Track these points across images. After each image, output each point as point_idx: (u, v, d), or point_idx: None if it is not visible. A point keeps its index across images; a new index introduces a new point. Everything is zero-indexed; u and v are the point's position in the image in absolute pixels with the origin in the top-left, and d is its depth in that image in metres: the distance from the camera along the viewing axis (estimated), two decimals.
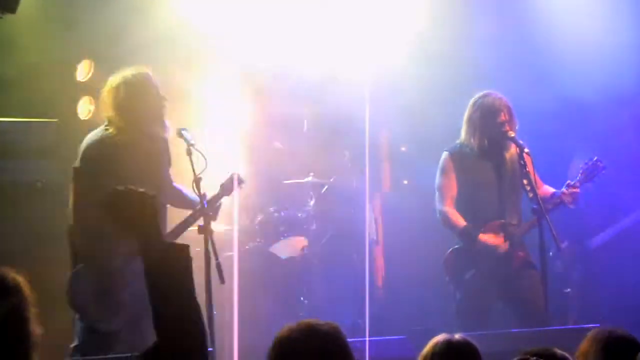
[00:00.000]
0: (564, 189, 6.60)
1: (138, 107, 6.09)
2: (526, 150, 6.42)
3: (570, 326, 5.91)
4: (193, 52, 8.72)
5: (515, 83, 7.74)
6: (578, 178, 6.73)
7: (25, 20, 7.40)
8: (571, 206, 6.51)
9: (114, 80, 6.13)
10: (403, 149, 9.61)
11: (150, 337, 2.87)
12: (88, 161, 6.00)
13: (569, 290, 8.04)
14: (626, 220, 8.14)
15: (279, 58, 8.95)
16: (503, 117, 6.61)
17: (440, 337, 3.59)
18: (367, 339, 5.85)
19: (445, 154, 6.77)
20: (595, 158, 6.77)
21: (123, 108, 6.05)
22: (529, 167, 6.44)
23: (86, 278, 5.89)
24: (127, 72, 6.14)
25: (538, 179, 6.70)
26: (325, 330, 2.77)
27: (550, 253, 7.80)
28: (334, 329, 2.80)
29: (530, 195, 6.46)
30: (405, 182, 9.50)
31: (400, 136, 9.48)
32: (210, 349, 5.08)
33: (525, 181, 6.49)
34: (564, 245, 6.66)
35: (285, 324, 2.92)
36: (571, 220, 7.77)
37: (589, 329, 5.54)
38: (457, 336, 3.58)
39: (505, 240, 6.52)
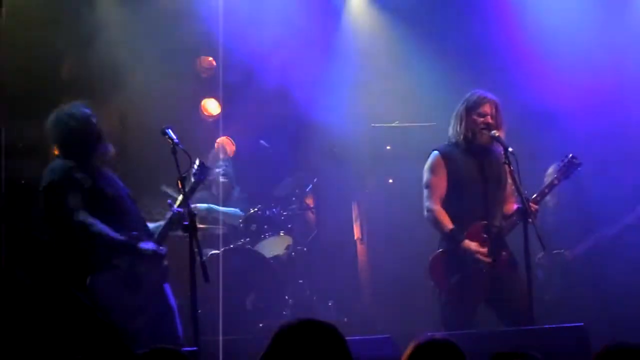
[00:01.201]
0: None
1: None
2: (510, 149, 6.42)
3: (553, 325, 5.89)
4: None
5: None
6: (555, 176, 6.75)
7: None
8: (530, 222, 6.40)
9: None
10: (388, 147, 9.62)
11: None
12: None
13: (547, 297, 8.06)
14: (606, 229, 8.19)
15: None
16: (487, 109, 6.64)
17: (423, 337, 3.59)
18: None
19: (435, 153, 6.78)
20: (571, 155, 6.79)
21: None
22: (514, 166, 6.44)
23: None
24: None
25: (510, 188, 6.75)
26: (324, 327, 2.78)
27: (538, 257, 7.87)
28: (333, 326, 2.81)
29: (515, 194, 6.48)
30: (390, 180, 9.52)
31: (385, 135, 9.51)
32: (194, 347, 5.09)
33: (509, 180, 6.51)
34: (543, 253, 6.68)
35: (284, 320, 2.92)
36: (550, 229, 7.84)
37: (572, 328, 5.63)
38: (439, 336, 3.58)
39: (486, 245, 6.52)
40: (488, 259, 6.49)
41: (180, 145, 5.82)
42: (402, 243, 8.83)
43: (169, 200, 6.47)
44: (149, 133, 7.16)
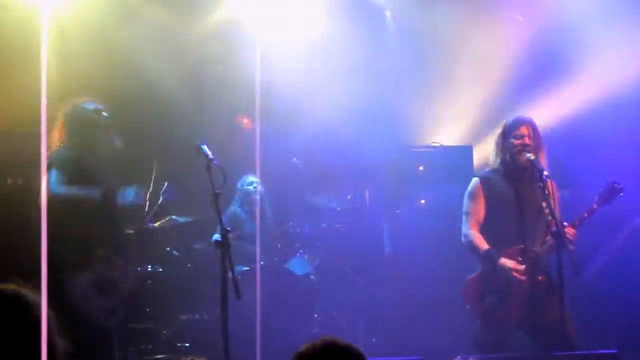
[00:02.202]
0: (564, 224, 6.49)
1: None
2: (545, 172, 6.38)
3: (586, 351, 5.84)
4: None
5: None
6: (595, 201, 6.67)
7: None
8: (570, 247, 6.35)
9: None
10: (420, 168, 9.60)
11: None
12: None
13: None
14: (613, 242, 8.19)
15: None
16: (524, 131, 6.61)
17: None
18: None
19: (475, 180, 6.79)
20: (612, 181, 6.70)
21: None
22: (549, 189, 6.40)
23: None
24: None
25: (557, 211, 6.66)
26: (346, 349, 2.75)
27: None
28: (355, 349, 2.78)
29: (549, 218, 6.42)
30: (422, 201, 9.48)
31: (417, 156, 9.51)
32: None
33: (544, 204, 6.45)
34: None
35: (306, 341, 2.90)
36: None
37: (605, 356, 5.58)
38: (472, 359, 3.57)
39: (523, 265, 6.46)
40: (523, 277, 6.44)
41: (215, 162, 5.83)
42: (432, 263, 8.80)
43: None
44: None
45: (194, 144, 6.04)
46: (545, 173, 6.37)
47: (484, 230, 6.63)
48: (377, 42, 9.81)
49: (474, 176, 6.85)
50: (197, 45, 9.14)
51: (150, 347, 8.53)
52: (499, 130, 6.75)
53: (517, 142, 6.61)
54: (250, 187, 9.04)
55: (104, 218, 6.34)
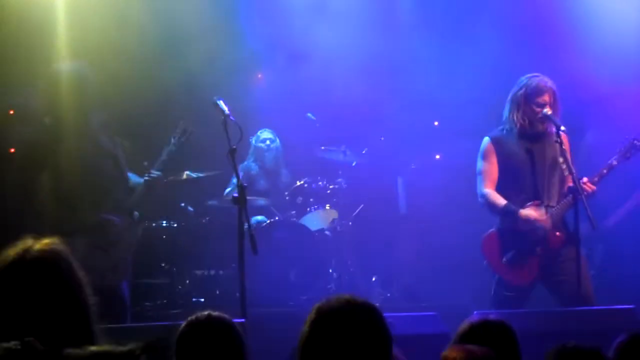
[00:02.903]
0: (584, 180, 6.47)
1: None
2: (562, 128, 6.35)
3: (604, 307, 5.83)
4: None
5: None
6: (615, 157, 6.62)
7: None
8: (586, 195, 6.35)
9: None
10: (435, 123, 9.58)
11: None
12: None
13: (592, 272, 7.99)
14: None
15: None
16: (547, 98, 6.54)
17: (476, 317, 3.56)
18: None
19: (486, 139, 6.72)
20: (633, 137, 6.65)
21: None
22: (565, 146, 6.37)
23: None
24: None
25: (571, 168, 6.65)
26: (365, 307, 2.75)
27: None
28: (373, 306, 2.78)
29: (566, 173, 6.39)
30: (437, 156, 9.47)
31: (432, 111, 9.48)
32: (242, 319, 5.10)
33: (561, 159, 6.42)
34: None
35: (323, 296, 2.90)
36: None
37: (622, 311, 5.57)
38: (493, 316, 3.56)
39: (545, 216, 6.46)
40: (547, 223, 6.42)
41: (231, 117, 5.80)
42: (447, 219, 8.81)
43: (145, 163, 6.54)
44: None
45: (210, 99, 6.02)
46: (563, 128, 6.34)
47: (500, 188, 6.61)
48: None
49: (485, 135, 6.78)
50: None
51: (165, 301, 8.58)
52: (519, 90, 6.62)
53: (538, 109, 6.53)
54: (263, 145, 9.02)
55: (98, 181, 6.26)
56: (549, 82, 6.55)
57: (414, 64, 9.26)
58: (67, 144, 6.10)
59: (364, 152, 9.19)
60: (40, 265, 2.73)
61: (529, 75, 6.63)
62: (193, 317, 3.39)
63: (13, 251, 2.74)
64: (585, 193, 6.18)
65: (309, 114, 9.28)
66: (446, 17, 9.37)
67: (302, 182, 8.82)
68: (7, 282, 2.68)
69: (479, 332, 3.41)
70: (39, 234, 2.83)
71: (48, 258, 2.75)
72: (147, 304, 8.45)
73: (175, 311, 8.14)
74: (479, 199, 6.67)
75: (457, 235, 8.31)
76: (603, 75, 8.35)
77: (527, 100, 6.53)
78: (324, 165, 9.23)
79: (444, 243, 8.70)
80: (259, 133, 9.11)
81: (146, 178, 6.45)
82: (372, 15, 9.41)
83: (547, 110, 6.44)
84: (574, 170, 6.28)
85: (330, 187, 8.93)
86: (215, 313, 3.41)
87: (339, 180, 8.98)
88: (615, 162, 6.54)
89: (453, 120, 9.06)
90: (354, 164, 9.21)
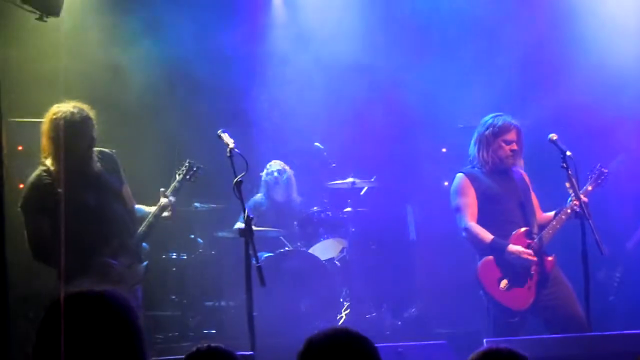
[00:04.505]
0: (571, 202, 6.51)
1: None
2: (569, 153, 6.39)
3: (612, 332, 5.80)
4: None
5: None
6: (588, 184, 6.68)
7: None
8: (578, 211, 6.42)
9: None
10: (443, 150, 9.58)
11: None
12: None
13: (612, 298, 7.97)
14: None
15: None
16: (513, 136, 6.72)
17: (487, 347, 3.54)
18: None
19: (460, 175, 6.86)
20: (598, 165, 6.76)
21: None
22: (572, 170, 6.42)
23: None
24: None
25: (536, 203, 6.88)
26: (356, 338, 2.74)
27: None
28: (365, 339, 2.77)
29: (573, 197, 6.43)
30: (446, 183, 9.46)
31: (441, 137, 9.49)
32: (251, 352, 5.09)
33: (567, 184, 6.46)
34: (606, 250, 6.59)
35: (318, 330, 2.90)
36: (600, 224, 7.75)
37: (630, 336, 5.54)
38: (502, 345, 3.54)
39: (531, 247, 6.52)
40: (534, 258, 6.47)
41: (236, 149, 5.82)
42: (457, 246, 8.77)
43: (162, 189, 6.54)
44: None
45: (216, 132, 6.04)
46: (569, 153, 6.38)
47: (482, 221, 6.67)
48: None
49: (457, 172, 6.86)
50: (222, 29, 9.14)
51: (177, 334, 8.58)
52: (486, 130, 6.78)
53: (507, 147, 6.73)
54: (272, 178, 9.01)
55: (100, 225, 6.25)
56: (514, 121, 6.72)
57: (422, 90, 9.28)
58: (67, 189, 6.07)
59: (372, 179, 9.19)
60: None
61: (492, 114, 6.83)
62: (193, 349, 3.38)
63: None
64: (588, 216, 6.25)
65: (316, 143, 9.30)
66: (457, 43, 9.39)
67: (311, 211, 8.83)
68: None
69: None
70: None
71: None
72: (158, 336, 8.44)
73: (186, 344, 8.13)
74: (463, 234, 6.74)
75: (467, 262, 8.27)
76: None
77: (495, 137, 6.68)
78: (333, 194, 9.23)
79: (453, 269, 8.67)
80: (268, 166, 9.11)
81: (161, 203, 6.47)
82: (382, 38, 9.46)
83: (553, 136, 6.51)
84: (580, 196, 6.33)
85: (340, 215, 8.93)
86: (215, 345, 3.38)
87: (348, 208, 8.99)
88: (590, 188, 6.63)
89: (461, 148, 9.06)
90: (362, 192, 9.21)
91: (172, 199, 6.55)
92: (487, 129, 6.78)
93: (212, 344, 3.36)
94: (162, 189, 6.60)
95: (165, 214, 6.53)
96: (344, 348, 2.70)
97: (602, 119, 8.39)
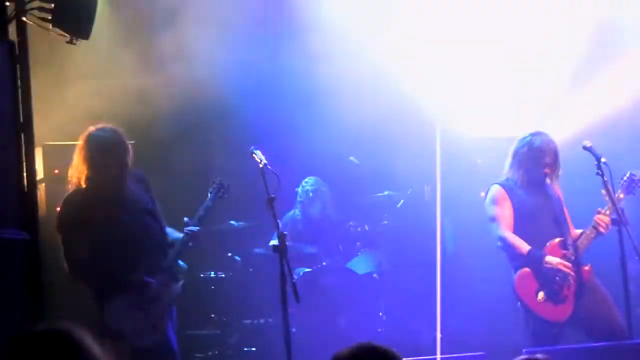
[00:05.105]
0: (596, 218, 6.50)
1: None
2: (604, 159, 6.36)
3: None
4: None
5: None
6: (620, 192, 6.63)
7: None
8: (604, 232, 6.43)
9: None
10: (479, 161, 9.53)
11: None
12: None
13: None
14: None
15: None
16: (548, 159, 6.66)
17: (525, 357, 3.52)
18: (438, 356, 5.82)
19: (496, 186, 6.87)
20: (629, 172, 6.71)
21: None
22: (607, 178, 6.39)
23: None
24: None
25: (569, 218, 6.85)
26: (381, 352, 2.73)
27: None
28: (392, 353, 2.75)
29: (609, 205, 6.40)
30: (482, 194, 9.41)
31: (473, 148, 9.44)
32: None
33: (603, 191, 6.44)
34: None
35: (371, 340, 2.90)
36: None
37: None
38: (541, 356, 3.51)
39: (566, 258, 6.49)
40: (571, 269, 6.42)
41: (268, 166, 5.85)
42: (494, 259, 8.73)
43: (185, 219, 6.56)
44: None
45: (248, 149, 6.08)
46: (604, 160, 6.35)
47: (518, 232, 6.64)
48: None
49: (493, 184, 6.86)
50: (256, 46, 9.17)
51: (217, 352, 8.60)
52: (521, 148, 6.79)
53: (541, 169, 6.73)
54: (307, 195, 8.97)
55: (136, 243, 6.29)
56: (551, 144, 6.65)
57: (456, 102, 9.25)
58: (102, 210, 6.16)
59: (409, 192, 9.16)
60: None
61: (531, 132, 6.75)
62: None
63: None
64: (602, 228, 6.24)
65: (351, 158, 9.30)
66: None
67: (347, 225, 8.82)
68: None
69: None
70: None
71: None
72: (197, 355, 8.47)
73: None
74: (499, 243, 6.71)
75: (504, 273, 8.23)
76: None
77: (530, 158, 6.64)
78: (369, 207, 9.21)
79: (491, 281, 8.61)
80: (303, 182, 9.06)
81: (186, 232, 6.50)
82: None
83: (587, 143, 6.49)
84: (617, 203, 6.31)
85: (376, 229, 8.92)
86: None
87: (385, 222, 8.97)
88: (621, 196, 6.58)
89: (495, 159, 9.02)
90: (399, 205, 9.19)
91: (195, 229, 6.54)
92: (523, 147, 6.78)
93: None
94: (185, 219, 6.62)
95: (190, 244, 6.56)
96: None
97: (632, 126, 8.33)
